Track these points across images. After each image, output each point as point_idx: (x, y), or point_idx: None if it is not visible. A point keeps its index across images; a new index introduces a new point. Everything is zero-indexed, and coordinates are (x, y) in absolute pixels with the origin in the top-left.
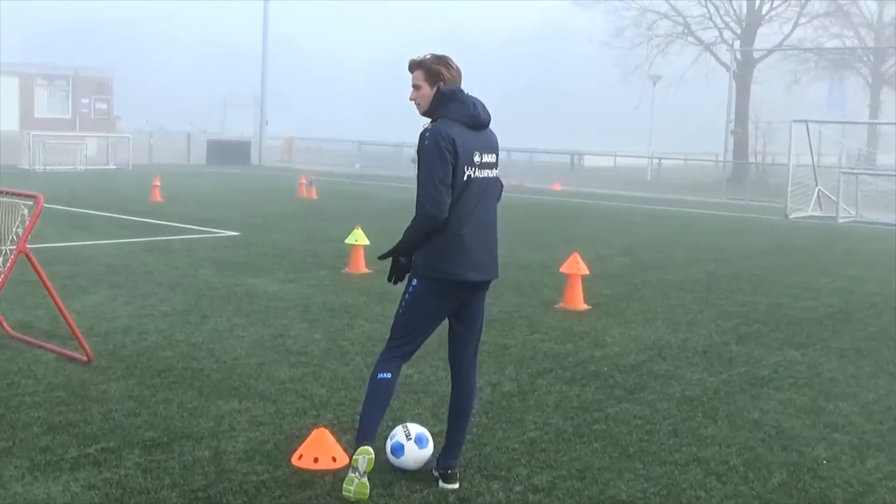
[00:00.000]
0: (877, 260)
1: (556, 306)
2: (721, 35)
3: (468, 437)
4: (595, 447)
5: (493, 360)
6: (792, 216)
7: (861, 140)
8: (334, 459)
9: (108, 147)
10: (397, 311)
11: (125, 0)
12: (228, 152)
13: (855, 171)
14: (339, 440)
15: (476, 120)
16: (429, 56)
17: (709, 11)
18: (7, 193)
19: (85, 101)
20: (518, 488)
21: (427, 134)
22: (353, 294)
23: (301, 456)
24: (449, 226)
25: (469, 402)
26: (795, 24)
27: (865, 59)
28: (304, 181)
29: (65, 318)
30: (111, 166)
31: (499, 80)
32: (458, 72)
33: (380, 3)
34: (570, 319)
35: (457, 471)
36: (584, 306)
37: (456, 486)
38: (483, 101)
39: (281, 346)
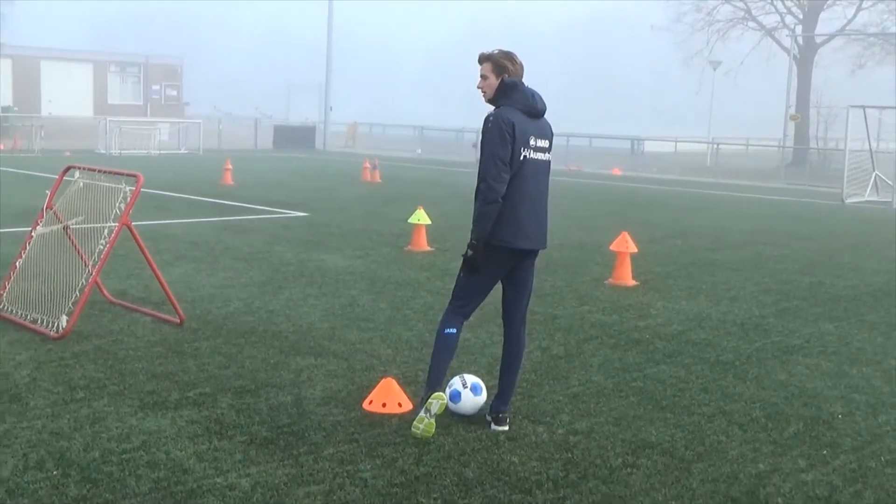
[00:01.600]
0: None
1: (605, 282)
2: (783, 20)
3: (518, 389)
4: (631, 400)
5: (544, 328)
6: (848, 201)
7: None
8: (400, 405)
9: (179, 132)
10: (458, 275)
11: None
12: (294, 137)
13: None
14: (403, 389)
15: (534, 109)
16: (497, 51)
17: None
18: (109, 173)
19: (156, 87)
20: (560, 431)
21: (491, 118)
22: (416, 270)
23: (371, 401)
24: (505, 199)
25: (518, 357)
26: (859, 9)
27: None
28: (367, 165)
29: (161, 284)
30: (183, 151)
31: (559, 68)
32: (521, 67)
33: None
34: (618, 294)
35: (507, 415)
36: (632, 282)
37: (506, 428)
38: (544, 87)
39: (350, 313)
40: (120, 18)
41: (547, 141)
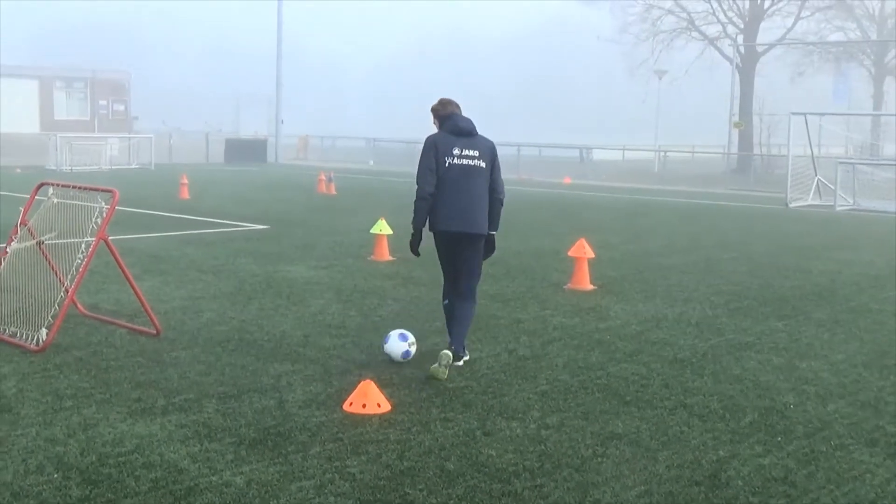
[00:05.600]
0: (867, 244)
1: (564, 287)
2: (724, 30)
3: (489, 389)
4: (597, 396)
5: (509, 331)
6: (792, 205)
7: (865, 131)
8: (379, 405)
9: (129, 147)
10: None
11: (134, 1)
12: (246, 151)
13: (851, 160)
14: (382, 391)
15: (460, 130)
16: (435, 103)
17: (712, 7)
18: (85, 189)
19: (103, 102)
20: (532, 426)
21: (425, 140)
22: (381, 278)
23: (351, 403)
24: (437, 196)
25: (462, 316)
26: (797, 18)
27: (868, 50)
28: (323, 177)
29: (137, 296)
30: (134, 165)
31: (507, 78)
32: (452, 103)
33: (385, 3)
34: (578, 298)
35: (458, 354)
36: (590, 287)
37: (459, 363)
38: (491, 98)
39: (321, 321)
40: (61, 32)
41: (476, 150)
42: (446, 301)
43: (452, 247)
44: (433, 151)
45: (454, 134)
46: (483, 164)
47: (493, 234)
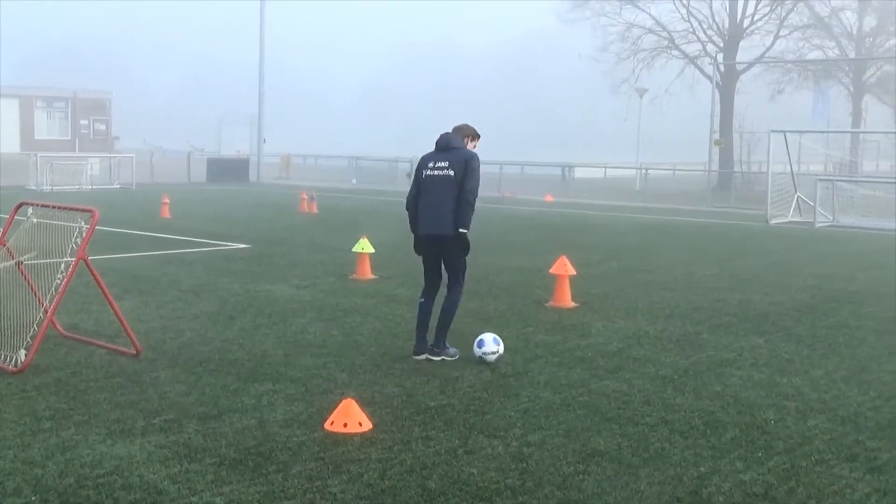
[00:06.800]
0: (846, 260)
1: (546, 304)
2: (704, 48)
3: (471, 406)
4: (579, 413)
5: None
6: (772, 222)
7: (844, 148)
8: (360, 424)
9: (111, 167)
10: None
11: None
12: (228, 170)
13: (831, 177)
14: (363, 409)
15: (438, 145)
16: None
17: (692, 26)
18: (64, 209)
19: (84, 122)
20: (514, 443)
21: None
22: (362, 297)
23: (332, 422)
24: (416, 203)
25: (446, 309)
26: (776, 37)
27: (846, 68)
28: (305, 196)
29: (117, 316)
30: (116, 185)
31: (487, 97)
32: (456, 128)
33: (369, 26)
34: (559, 315)
35: (435, 350)
36: (572, 304)
37: (436, 359)
38: (476, 116)
39: (303, 340)
40: (45, 54)
41: (447, 162)
42: (422, 299)
43: (425, 248)
44: (418, 166)
45: (435, 149)
46: (452, 173)
47: (464, 232)
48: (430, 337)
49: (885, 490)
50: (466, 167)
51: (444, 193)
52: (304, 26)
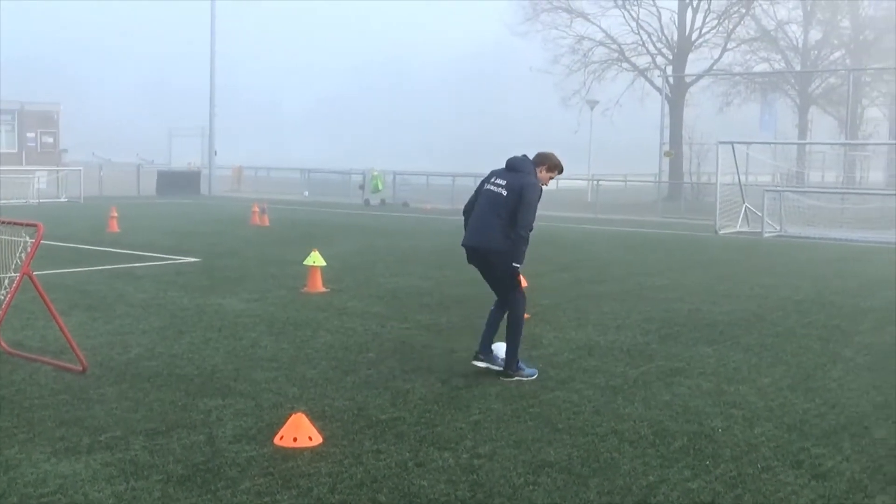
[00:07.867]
0: (793, 269)
1: None
2: (654, 61)
3: (421, 419)
4: (529, 424)
5: (443, 361)
6: (721, 232)
7: (791, 159)
8: (310, 438)
9: (58, 180)
10: None
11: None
12: (178, 183)
13: (778, 188)
14: (313, 423)
15: (508, 164)
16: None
17: (641, 38)
18: (8, 223)
19: (31, 134)
20: (465, 455)
21: None
22: (314, 310)
23: (282, 437)
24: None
25: (490, 320)
26: (724, 50)
27: (793, 80)
28: (256, 209)
29: (63, 331)
30: (63, 199)
31: (440, 109)
32: (526, 157)
33: (322, 37)
34: None
35: (508, 372)
36: (523, 316)
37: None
38: (434, 128)
39: (253, 354)
40: None
41: (505, 181)
42: (492, 307)
43: (470, 259)
44: (485, 178)
45: (504, 167)
46: (504, 193)
47: (515, 266)
48: (485, 344)
49: (829, 496)
50: (521, 193)
51: (491, 210)
52: (257, 39)
